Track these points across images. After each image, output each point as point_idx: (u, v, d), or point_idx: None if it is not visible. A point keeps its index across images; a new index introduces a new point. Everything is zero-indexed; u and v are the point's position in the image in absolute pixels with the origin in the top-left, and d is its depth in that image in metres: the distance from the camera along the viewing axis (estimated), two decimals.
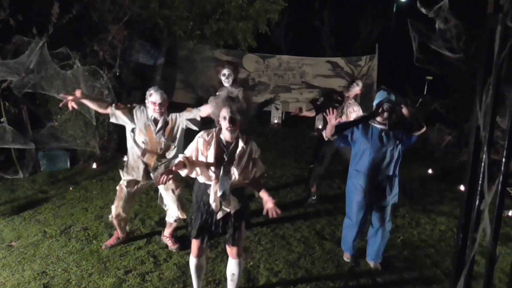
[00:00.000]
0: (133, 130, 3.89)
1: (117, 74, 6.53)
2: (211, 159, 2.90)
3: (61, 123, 6.17)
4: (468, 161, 1.65)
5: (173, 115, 3.87)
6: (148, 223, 4.64)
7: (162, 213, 4.90)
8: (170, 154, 3.91)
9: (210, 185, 2.98)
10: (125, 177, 3.99)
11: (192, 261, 3.24)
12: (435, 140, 7.80)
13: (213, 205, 3.00)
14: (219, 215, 3.03)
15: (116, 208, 4.00)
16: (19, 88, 5.53)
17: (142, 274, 3.68)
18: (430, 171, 6.82)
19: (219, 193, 2.94)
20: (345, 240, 4.06)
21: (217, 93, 2.97)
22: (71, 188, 5.61)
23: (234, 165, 2.91)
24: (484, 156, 1.57)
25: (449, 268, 3.94)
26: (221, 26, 8.67)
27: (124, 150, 6.68)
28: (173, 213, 4.06)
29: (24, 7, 5.72)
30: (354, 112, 5.31)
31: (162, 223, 4.67)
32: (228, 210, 3.02)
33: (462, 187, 5.94)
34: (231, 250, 3.21)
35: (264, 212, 2.95)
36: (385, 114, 3.61)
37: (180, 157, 2.94)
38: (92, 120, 5.84)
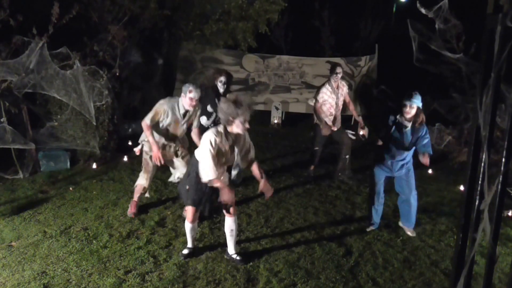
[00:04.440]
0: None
1: (117, 74, 6.52)
2: (227, 150, 3.63)
3: (61, 123, 6.16)
4: (468, 161, 1.65)
5: (197, 110, 4.63)
6: (148, 223, 4.64)
7: (162, 213, 4.91)
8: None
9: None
10: (148, 151, 4.63)
11: (188, 225, 3.88)
12: (435, 140, 7.78)
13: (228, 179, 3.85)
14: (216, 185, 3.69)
15: (146, 181, 4.78)
16: (19, 88, 5.52)
17: (142, 274, 3.68)
18: (430, 171, 6.82)
19: (234, 172, 3.69)
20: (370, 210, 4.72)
21: (228, 97, 3.75)
22: (71, 188, 5.60)
23: (238, 149, 3.69)
24: (484, 156, 1.57)
25: (449, 268, 3.94)
26: (221, 26, 8.66)
27: (124, 151, 6.72)
28: (180, 174, 4.65)
29: (24, 7, 5.71)
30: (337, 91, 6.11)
31: (162, 223, 4.69)
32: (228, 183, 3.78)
33: (462, 187, 5.94)
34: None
35: (260, 190, 3.80)
36: (407, 113, 4.22)
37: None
38: (92, 120, 5.82)
